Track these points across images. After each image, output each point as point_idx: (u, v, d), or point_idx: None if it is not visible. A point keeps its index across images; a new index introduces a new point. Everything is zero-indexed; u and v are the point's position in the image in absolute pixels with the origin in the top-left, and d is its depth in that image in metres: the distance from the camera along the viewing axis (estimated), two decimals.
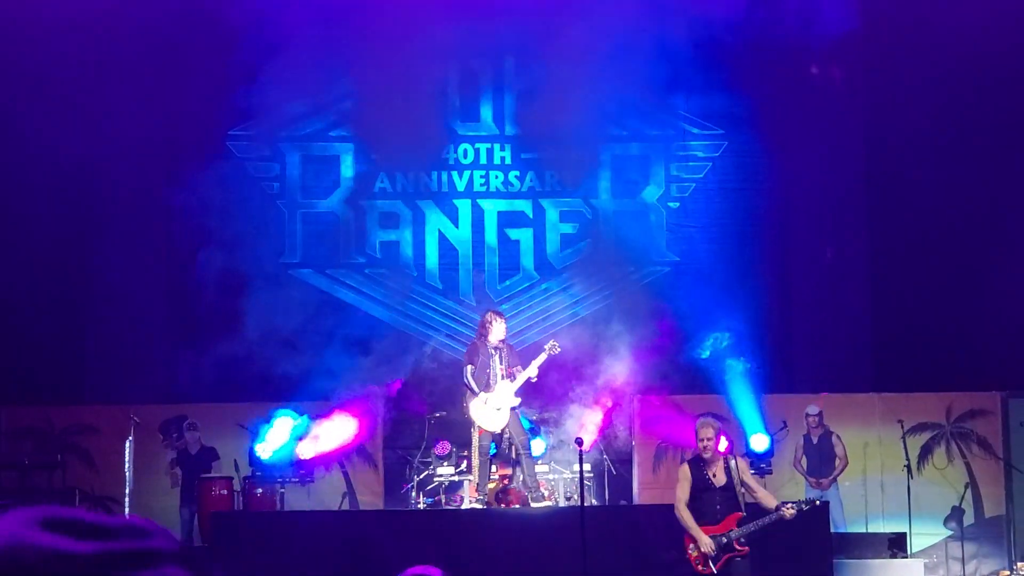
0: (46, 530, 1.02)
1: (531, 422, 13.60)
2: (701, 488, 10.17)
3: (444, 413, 14.22)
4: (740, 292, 15.74)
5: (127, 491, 13.13)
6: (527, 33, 15.79)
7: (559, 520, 12.13)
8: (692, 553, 10.12)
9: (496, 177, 16.76)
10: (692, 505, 10.16)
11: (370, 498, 15.11)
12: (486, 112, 16.86)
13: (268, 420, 13.96)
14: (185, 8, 15.94)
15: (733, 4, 15.18)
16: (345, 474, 15.21)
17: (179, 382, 15.39)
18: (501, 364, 12.69)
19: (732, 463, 10.31)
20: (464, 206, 16.69)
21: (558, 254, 16.65)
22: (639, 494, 14.98)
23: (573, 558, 10.77)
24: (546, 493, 13.04)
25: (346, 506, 14.99)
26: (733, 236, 16.60)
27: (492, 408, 12.56)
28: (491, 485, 12.93)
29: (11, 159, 15.67)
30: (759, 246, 16.61)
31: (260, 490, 13.48)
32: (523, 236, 16.69)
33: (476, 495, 12.72)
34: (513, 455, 12.96)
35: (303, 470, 14.15)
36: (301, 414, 14.07)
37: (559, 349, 12.93)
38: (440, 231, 16.63)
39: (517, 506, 12.69)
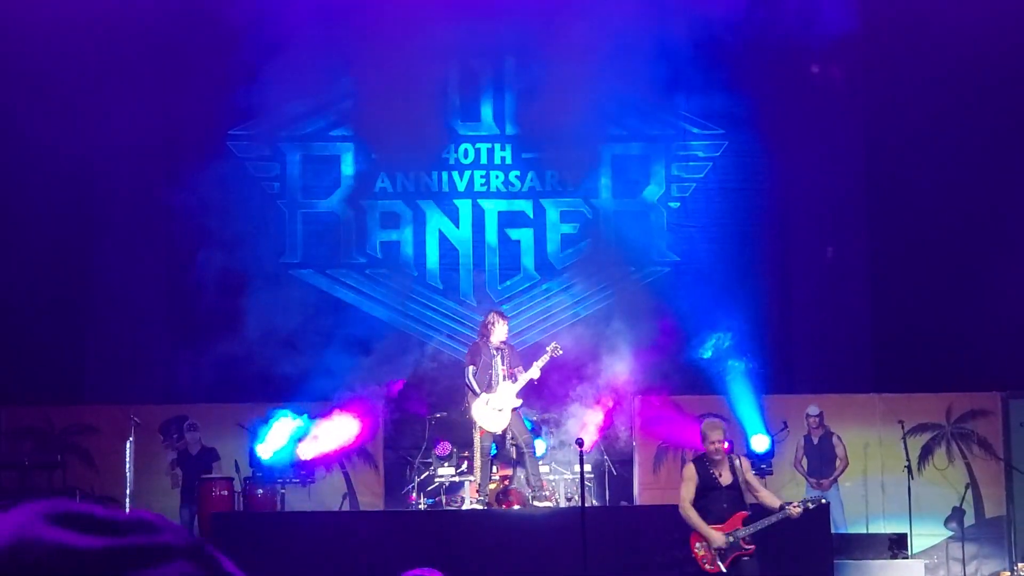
0: (54, 525, 1.01)
1: (532, 422, 13.59)
2: (708, 487, 10.13)
3: (445, 414, 14.22)
4: (740, 292, 15.74)
5: (127, 491, 13.11)
6: (527, 33, 15.78)
7: (560, 521, 12.12)
8: (699, 552, 10.08)
9: (496, 177, 16.74)
10: (698, 504, 10.13)
11: (371, 499, 15.09)
12: (486, 112, 16.84)
13: (268, 420, 13.95)
14: (185, 8, 15.93)
15: (733, 4, 15.18)
16: (346, 475, 15.19)
17: (179, 382, 15.38)
18: (503, 365, 12.67)
19: (737, 462, 10.31)
20: (464, 206, 16.67)
21: (559, 254, 16.64)
22: (640, 495, 14.96)
23: (574, 559, 10.77)
24: (548, 493, 13.04)
25: (347, 507, 14.97)
26: (733, 236, 16.59)
27: (493, 409, 12.55)
28: (492, 486, 12.92)
29: (11, 159, 15.67)
30: (759, 246, 16.60)
31: (261, 491, 13.48)
32: (523, 236, 16.67)
33: (477, 496, 12.71)
34: (515, 455, 12.95)
35: (304, 471, 14.15)
36: (301, 414, 14.07)
37: (561, 351, 12.91)
38: (440, 231, 16.61)
39: (518, 507, 12.68)
